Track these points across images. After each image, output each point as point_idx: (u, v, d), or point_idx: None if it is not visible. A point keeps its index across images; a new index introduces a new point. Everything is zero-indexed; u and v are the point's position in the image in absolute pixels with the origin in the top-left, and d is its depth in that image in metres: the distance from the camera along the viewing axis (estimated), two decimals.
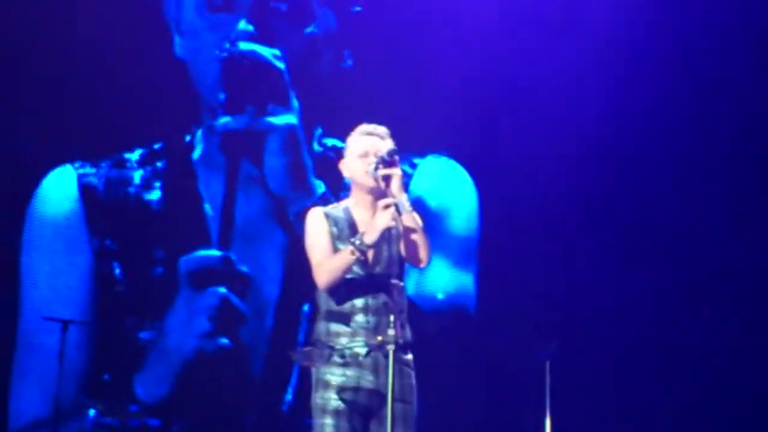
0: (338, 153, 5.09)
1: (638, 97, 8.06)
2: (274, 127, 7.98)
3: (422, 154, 8.08)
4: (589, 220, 7.85)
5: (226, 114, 8.01)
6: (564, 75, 7.96)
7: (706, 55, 8.01)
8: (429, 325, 6.94)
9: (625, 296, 7.73)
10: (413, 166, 8.03)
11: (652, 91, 8.09)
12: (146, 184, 8.09)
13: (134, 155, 8.14)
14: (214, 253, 7.90)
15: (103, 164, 8.09)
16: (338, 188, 5.08)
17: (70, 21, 7.75)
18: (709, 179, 7.94)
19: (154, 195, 8.08)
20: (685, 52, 8.07)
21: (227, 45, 8.02)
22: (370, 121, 5.04)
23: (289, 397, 7.49)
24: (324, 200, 5.68)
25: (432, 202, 7.93)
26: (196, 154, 8.09)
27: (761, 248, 7.72)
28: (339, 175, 5.13)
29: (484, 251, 8.00)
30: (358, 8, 8.25)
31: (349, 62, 8.22)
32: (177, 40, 8.18)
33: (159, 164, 8.13)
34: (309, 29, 8.19)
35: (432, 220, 7.62)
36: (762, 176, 7.90)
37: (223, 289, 7.79)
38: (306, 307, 7.35)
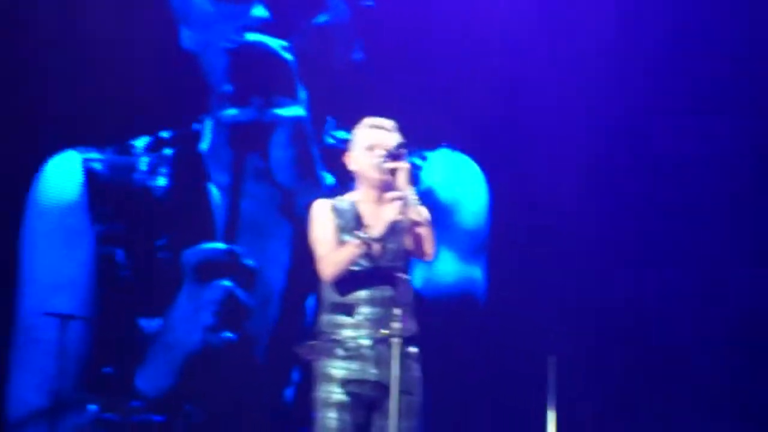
0: (347, 145, 5.09)
1: (651, 93, 8.06)
2: (281, 119, 8.05)
3: (433, 147, 8.12)
4: (599, 215, 7.86)
5: (233, 106, 8.08)
6: (579, 71, 7.96)
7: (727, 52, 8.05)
8: (437, 319, 6.98)
9: (633, 293, 7.74)
10: (424, 158, 8.07)
11: (665, 87, 8.08)
12: (152, 171, 8.12)
13: (141, 142, 8.16)
14: (219, 245, 7.95)
15: (109, 150, 8.12)
16: (347, 181, 5.13)
17: (80, 8, 7.79)
18: (724, 181, 7.97)
19: (160, 182, 8.12)
20: (705, 50, 8.08)
21: (235, 36, 8.09)
22: (382, 113, 5.07)
23: (293, 390, 7.54)
24: (332, 192, 5.73)
25: (442, 196, 7.97)
26: (204, 144, 8.14)
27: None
28: (347, 168, 5.11)
29: (494, 246, 8.03)
30: (370, 2, 8.28)
31: (360, 54, 8.26)
32: (184, 31, 8.19)
33: (166, 152, 8.17)
34: (320, 19, 8.24)
35: (441, 214, 7.65)
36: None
37: (228, 283, 7.85)
38: (311, 300, 7.39)
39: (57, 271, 7.92)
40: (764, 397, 7.55)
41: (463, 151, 8.21)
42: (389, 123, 5.02)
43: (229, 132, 8.11)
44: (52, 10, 7.84)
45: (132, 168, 8.11)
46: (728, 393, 7.64)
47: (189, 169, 8.10)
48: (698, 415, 7.53)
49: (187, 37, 8.22)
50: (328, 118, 8.16)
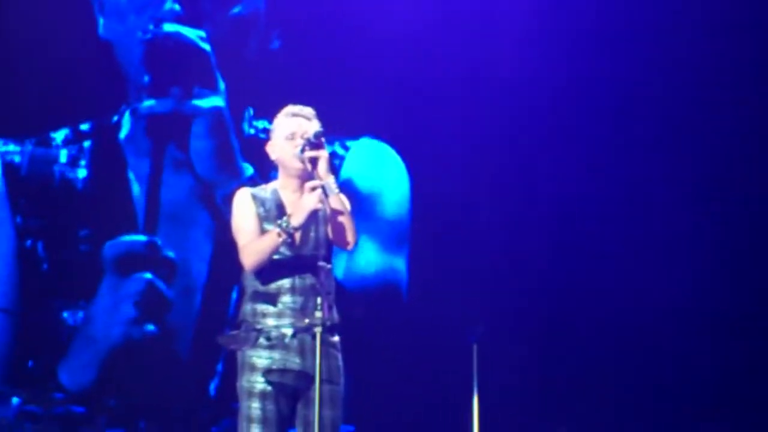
0: (268, 135, 5.07)
1: (560, 66, 8.13)
2: (200, 110, 8.02)
3: (355, 137, 8.13)
4: (517, 204, 7.92)
5: (150, 97, 8.04)
6: (498, 59, 7.96)
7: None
8: (358, 308, 7.00)
9: (552, 279, 7.84)
10: (346, 148, 8.09)
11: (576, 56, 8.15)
12: (72, 163, 8.07)
13: (60, 134, 8.10)
14: (140, 237, 7.92)
15: (28, 142, 8.06)
16: (268, 170, 5.13)
17: None
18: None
19: (80, 174, 8.08)
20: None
21: (151, 26, 8.03)
22: (303, 102, 5.05)
23: (217, 381, 7.54)
24: (252, 182, 5.74)
25: (363, 185, 8.00)
26: (123, 135, 8.08)
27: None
28: (268, 157, 5.09)
29: (416, 235, 8.06)
30: None
31: (277, 43, 8.25)
32: (101, 21, 8.12)
33: (86, 144, 8.12)
34: (235, 9, 8.21)
35: (363, 203, 7.69)
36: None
37: (148, 275, 7.82)
38: (234, 291, 7.40)
39: None
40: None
41: (385, 140, 8.22)
42: (309, 111, 5.01)
43: (147, 123, 8.08)
44: None
45: (52, 160, 8.06)
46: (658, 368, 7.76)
47: (108, 161, 8.05)
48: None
49: (104, 27, 8.15)
50: (248, 108, 8.12)
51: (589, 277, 7.90)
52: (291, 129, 4.96)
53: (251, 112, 8.11)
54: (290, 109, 5.04)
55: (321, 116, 5.03)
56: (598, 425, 7.44)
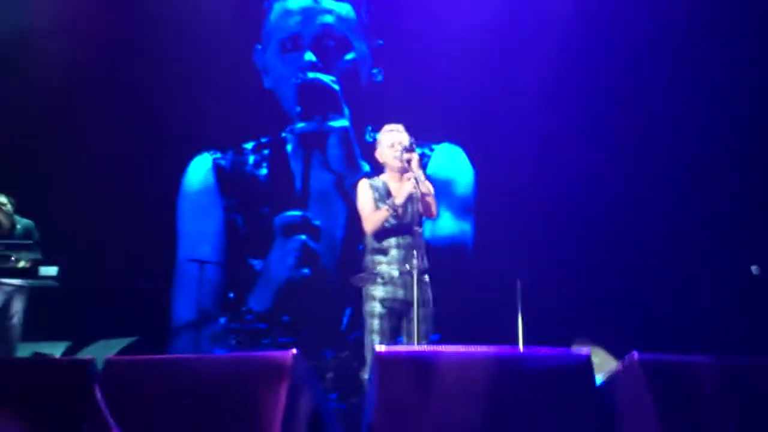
0: (375, 144, 5.11)
1: (604, 86, 7.56)
2: (333, 129, 8.02)
3: (437, 142, 8.00)
4: (558, 188, 7.56)
5: (301, 121, 8.04)
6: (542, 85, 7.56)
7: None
8: (440, 257, 6.96)
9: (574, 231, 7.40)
10: (431, 149, 7.97)
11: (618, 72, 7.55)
12: (256, 165, 8.12)
13: (249, 146, 8.17)
14: (297, 213, 7.95)
15: (229, 152, 8.15)
16: (379, 165, 5.15)
17: (211, 64, 7.80)
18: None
19: (262, 172, 8.12)
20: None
21: (300, 74, 8.03)
22: (400, 118, 5.06)
23: (350, 307, 7.53)
24: (368, 175, 5.79)
25: (443, 174, 7.87)
26: (288, 146, 8.12)
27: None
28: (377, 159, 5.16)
29: (478, 208, 7.94)
30: (381, 41, 8.18)
31: (380, 77, 8.18)
32: (265, 78, 8.20)
33: (265, 152, 8.17)
34: (349, 56, 8.15)
35: (443, 187, 7.60)
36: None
37: (303, 237, 7.86)
38: (359, 247, 7.43)
39: (199, 232, 7.98)
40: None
41: (458, 144, 8.08)
42: (401, 126, 5.01)
43: (301, 138, 8.08)
44: (190, 62, 7.81)
45: (244, 163, 8.13)
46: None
47: (279, 163, 8.09)
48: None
49: (266, 81, 8.21)
50: (367, 126, 8.08)
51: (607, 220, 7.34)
52: (391, 140, 5.00)
53: (369, 128, 8.06)
54: (388, 126, 5.06)
55: (413, 128, 5.03)
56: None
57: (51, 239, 6.28)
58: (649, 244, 7.22)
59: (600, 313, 6.99)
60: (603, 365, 4.28)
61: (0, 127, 7.53)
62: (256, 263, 7.93)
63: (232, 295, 7.87)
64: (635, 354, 3.27)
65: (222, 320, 7.76)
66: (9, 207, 6.36)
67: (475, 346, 3.38)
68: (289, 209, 7.97)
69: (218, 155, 8.11)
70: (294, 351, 3.32)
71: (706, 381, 3.24)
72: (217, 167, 8.07)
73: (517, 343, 5.67)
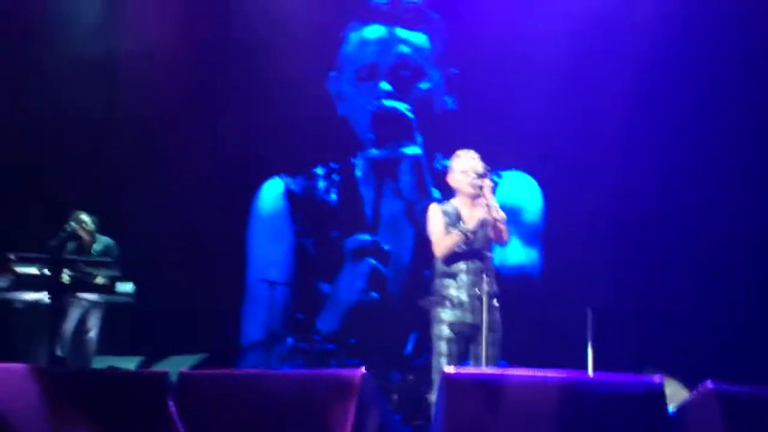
0: (447, 170, 5.10)
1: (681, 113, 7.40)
2: (405, 155, 8.02)
3: (505, 169, 7.93)
4: (618, 223, 7.46)
5: (374, 147, 8.08)
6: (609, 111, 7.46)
7: None
8: (509, 284, 6.90)
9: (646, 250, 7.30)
10: (499, 176, 7.90)
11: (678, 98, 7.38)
12: (326, 190, 8.15)
13: (319, 170, 8.19)
14: (367, 237, 7.97)
15: (300, 176, 8.18)
16: (449, 193, 5.15)
17: (285, 90, 7.89)
18: None
19: (332, 196, 8.14)
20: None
21: (375, 101, 8.08)
22: (471, 146, 5.06)
23: (418, 330, 7.45)
24: (439, 201, 5.78)
25: (512, 202, 7.77)
26: (358, 172, 8.15)
27: None
28: (449, 185, 5.14)
29: (547, 236, 7.85)
30: (455, 70, 8.16)
31: (452, 105, 8.14)
32: (339, 105, 8.23)
33: (335, 177, 8.18)
34: (424, 85, 8.15)
35: (512, 214, 7.51)
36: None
37: (373, 260, 7.87)
38: (428, 271, 7.41)
39: (269, 254, 8.00)
40: None
41: (526, 171, 8.01)
42: (474, 153, 5.01)
43: (372, 164, 8.10)
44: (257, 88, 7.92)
45: (314, 187, 8.16)
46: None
47: (349, 188, 8.12)
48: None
49: (341, 108, 8.24)
50: (437, 153, 8.11)
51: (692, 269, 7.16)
52: (464, 166, 4.99)
53: (439, 155, 8.07)
54: (461, 152, 5.06)
55: (482, 155, 5.01)
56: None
57: (129, 257, 6.44)
58: (723, 271, 7.07)
59: (673, 343, 6.85)
60: (675, 396, 4.18)
61: (84, 148, 7.79)
62: (325, 286, 7.95)
63: (301, 316, 7.90)
64: (709, 383, 3.19)
65: (290, 340, 7.79)
66: (91, 225, 6.57)
67: (544, 371, 3.35)
68: (358, 233, 7.99)
69: (289, 179, 8.18)
70: (363, 370, 3.34)
71: None
72: (288, 191, 8.14)
73: (586, 371, 5.56)
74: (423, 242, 5.19)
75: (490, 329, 4.60)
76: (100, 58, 7.79)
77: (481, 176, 4.84)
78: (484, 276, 4.68)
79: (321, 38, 8.13)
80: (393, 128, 8.02)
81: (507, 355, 4.94)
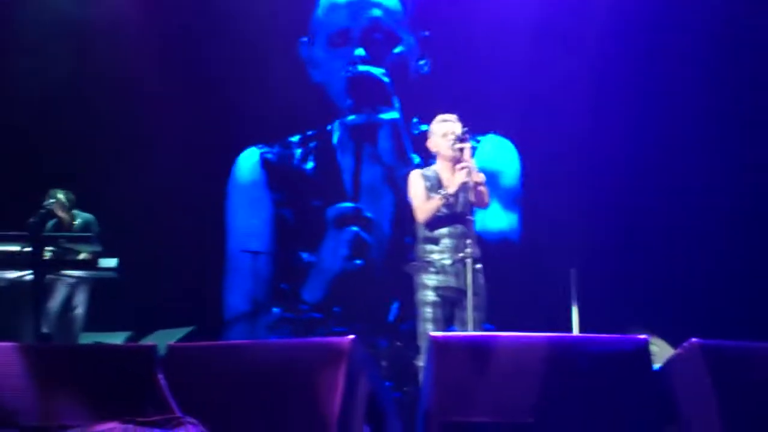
0: (427, 135, 5.11)
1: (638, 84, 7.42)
2: (383, 121, 7.98)
3: (483, 133, 7.91)
4: (598, 174, 7.48)
5: (351, 113, 8.04)
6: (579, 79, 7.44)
7: None
8: (491, 248, 6.90)
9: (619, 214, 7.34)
10: (477, 141, 7.87)
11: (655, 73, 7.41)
12: (303, 158, 8.11)
13: (295, 139, 8.15)
14: (349, 204, 7.96)
15: (276, 145, 8.14)
16: (428, 158, 5.13)
17: (256, 58, 7.80)
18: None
19: (309, 165, 8.10)
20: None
21: (350, 68, 8.02)
22: (449, 110, 5.05)
23: (401, 296, 7.42)
24: (418, 167, 5.76)
25: (490, 166, 7.75)
26: (335, 139, 8.11)
27: None
28: (428, 150, 5.14)
29: (526, 200, 7.86)
30: (426, 33, 8.10)
31: (427, 69, 8.10)
32: (312, 72, 8.15)
33: (311, 145, 8.15)
34: (397, 49, 8.10)
35: (490, 178, 7.53)
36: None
37: (355, 228, 7.86)
38: (410, 237, 7.41)
39: (249, 225, 7.98)
40: None
41: (504, 135, 8.00)
42: (454, 117, 5.01)
43: (350, 131, 8.06)
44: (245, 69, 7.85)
45: (291, 156, 8.12)
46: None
47: (326, 156, 8.09)
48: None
49: (315, 74, 8.16)
50: (413, 118, 8.09)
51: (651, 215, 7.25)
52: (444, 130, 4.99)
53: (415, 120, 8.05)
54: (441, 117, 5.06)
55: (460, 120, 5.00)
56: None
57: (110, 232, 6.39)
58: (706, 230, 7.12)
59: (657, 302, 6.90)
60: (661, 354, 4.23)
61: (58, 124, 7.70)
62: (306, 255, 7.94)
63: (284, 286, 7.89)
64: (695, 339, 3.23)
65: (276, 310, 7.78)
66: (68, 203, 6.50)
67: (531, 333, 3.38)
68: (338, 202, 7.98)
69: (265, 149, 8.12)
70: (352, 336, 3.35)
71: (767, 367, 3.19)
72: (264, 160, 8.09)
73: (571, 333, 5.61)
74: (403, 209, 5.16)
75: (474, 293, 4.61)
76: (67, 28, 7.64)
77: (460, 139, 4.84)
78: (467, 240, 4.69)
79: (291, 3, 8.03)
80: (369, 94, 7.97)
81: (491, 319, 4.96)
